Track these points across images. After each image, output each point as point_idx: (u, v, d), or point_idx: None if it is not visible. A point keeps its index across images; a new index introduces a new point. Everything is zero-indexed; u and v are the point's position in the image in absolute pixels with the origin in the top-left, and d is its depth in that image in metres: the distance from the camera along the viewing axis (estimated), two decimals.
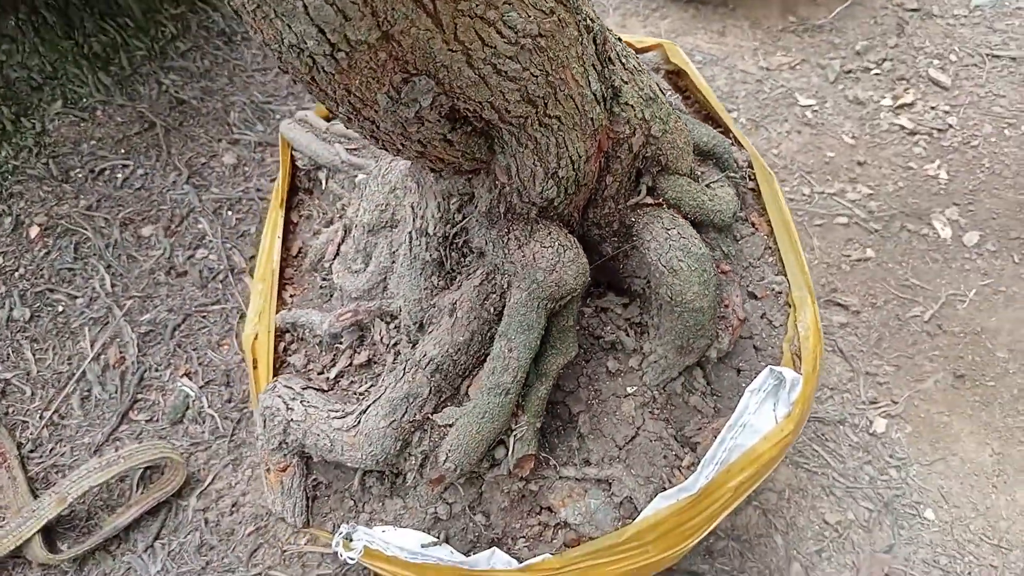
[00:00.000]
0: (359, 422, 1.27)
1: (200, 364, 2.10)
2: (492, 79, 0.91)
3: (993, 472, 1.99)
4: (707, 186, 1.34)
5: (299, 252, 1.80)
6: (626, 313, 1.37)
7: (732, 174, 1.42)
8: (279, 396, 1.38)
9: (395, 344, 1.51)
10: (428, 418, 1.27)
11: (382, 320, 1.53)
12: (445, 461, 1.24)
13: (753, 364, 1.48)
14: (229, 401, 2.05)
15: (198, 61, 2.61)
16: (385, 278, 1.51)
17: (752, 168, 1.64)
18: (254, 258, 2.27)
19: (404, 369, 1.26)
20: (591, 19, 1.05)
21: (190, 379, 2.08)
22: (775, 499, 1.95)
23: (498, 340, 1.15)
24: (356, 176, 1.65)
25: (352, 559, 1.34)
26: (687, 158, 1.29)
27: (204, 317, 2.17)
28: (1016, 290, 2.25)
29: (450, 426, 1.26)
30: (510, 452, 1.24)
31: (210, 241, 2.28)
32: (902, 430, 2.04)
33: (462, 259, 1.35)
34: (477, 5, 0.82)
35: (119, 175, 2.35)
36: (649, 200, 1.26)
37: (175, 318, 2.15)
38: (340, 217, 1.69)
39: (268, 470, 1.39)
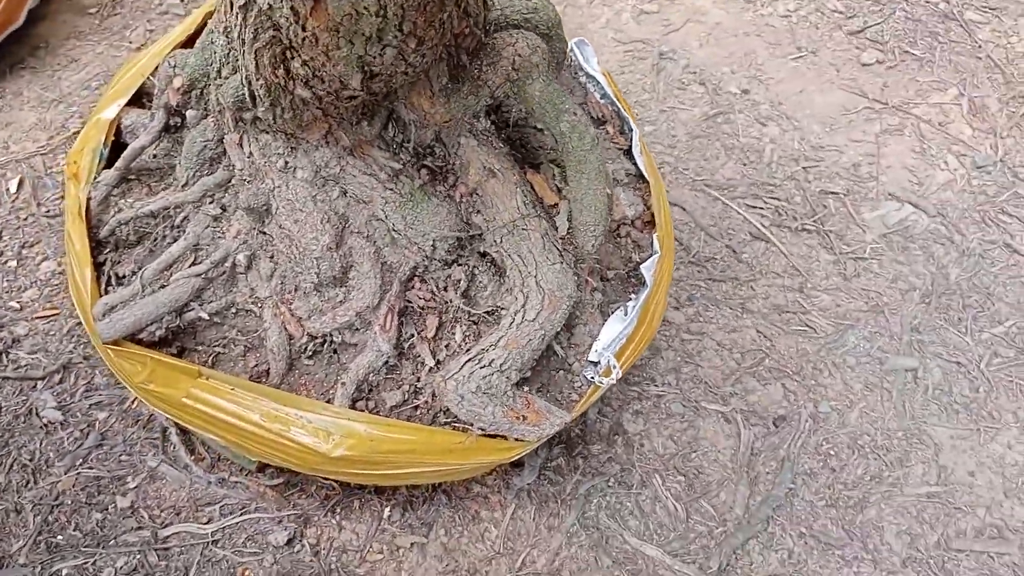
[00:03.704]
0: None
1: None
2: None
3: None
4: None
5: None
6: None
7: None
8: (465, 386, 1.37)
9: (446, 286, 1.53)
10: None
11: (419, 281, 1.51)
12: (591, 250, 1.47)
13: None
14: None
15: None
16: (374, 261, 1.48)
17: None
18: None
19: (536, 223, 1.40)
20: None
21: None
22: None
23: (560, 125, 1.35)
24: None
25: (617, 376, 1.52)
26: None
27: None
28: None
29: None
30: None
31: None
32: None
33: (433, 153, 1.45)
34: None
35: None
36: None
37: None
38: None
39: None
